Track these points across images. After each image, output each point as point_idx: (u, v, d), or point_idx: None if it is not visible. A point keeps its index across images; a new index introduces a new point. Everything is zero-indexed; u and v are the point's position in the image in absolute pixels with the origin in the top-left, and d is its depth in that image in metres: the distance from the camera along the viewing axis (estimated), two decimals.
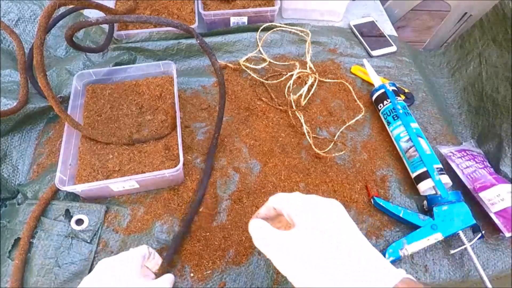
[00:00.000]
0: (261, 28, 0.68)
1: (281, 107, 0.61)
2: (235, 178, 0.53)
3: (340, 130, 0.59)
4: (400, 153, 0.55)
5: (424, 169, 0.50)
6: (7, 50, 0.59)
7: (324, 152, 0.55)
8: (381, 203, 0.50)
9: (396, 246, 0.46)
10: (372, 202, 0.51)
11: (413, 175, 0.52)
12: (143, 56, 0.65)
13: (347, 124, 0.59)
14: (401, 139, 0.54)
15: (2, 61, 0.56)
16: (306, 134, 0.56)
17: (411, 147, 0.52)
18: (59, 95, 0.56)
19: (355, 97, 0.63)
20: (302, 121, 0.57)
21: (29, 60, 0.53)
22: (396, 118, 0.55)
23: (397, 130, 0.55)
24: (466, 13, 0.73)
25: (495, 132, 0.57)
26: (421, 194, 0.52)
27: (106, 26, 0.65)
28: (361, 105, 0.62)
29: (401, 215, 0.48)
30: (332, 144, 0.57)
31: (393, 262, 0.46)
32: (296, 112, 0.59)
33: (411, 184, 0.54)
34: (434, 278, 0.47)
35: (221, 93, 0.48)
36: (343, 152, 0.56)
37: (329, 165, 0.55)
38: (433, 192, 0.50)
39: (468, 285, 0.48)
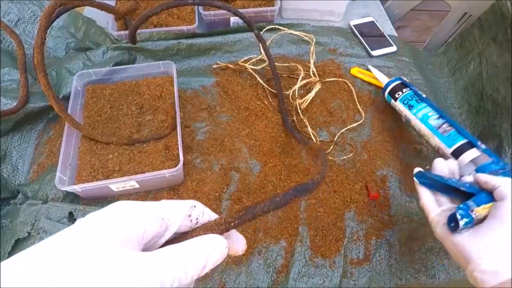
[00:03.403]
0: (264, 30, 0.67)
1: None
2: (235, 178, 0.53)
3: (341, 132, 0.59)
4: (429, 132, 0.53)
5: (464, 140, 0.48)
6: (7, 50, 0.59)
7: (328, 153, 0.55)
8: (429, 176, 0.41)
9: (465, 208, 0.37)
10: (415, 179, 0.42)
11: (452, 149, 0.49)
12: (143, 56, 0.65)
13: (348, 127, 0.59)
14: (429, 118, 0.53)
15: (2, 61, 0.56)
16: (313, 137, 0.56)
17: (444, 123, 0.52)
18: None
19: (355, 98, 0.63)
20: (309, 127, 0.57)
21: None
22: (419, 101, 0.56)
23: (423, 111, 0.54)
24: (466, 13, 0.73)
25: (495, 132, 0.57)
26: (462, 169, 0.46)
27: (106, 26, 0.65)
28: (361, 110, 0.62)
29: (459, 187, 0.39)
30: (332, 145, 0.57)
31: (466, 225, 0.37)
32: (303, 118, 0.59)
33: (411, 184, 0.54)
34: (434, 278, 0.47)
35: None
36: (351, 154, 0.56)
37: (329, 165, 0.55)
38: (473, 166, 0.46)
39: (468, 285, 0.48)
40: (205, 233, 0.21)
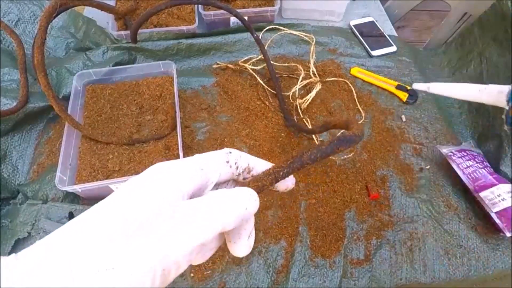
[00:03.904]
0: (264, 30, 0.67)
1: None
2: None
3: (341, 132, 0.59)
4: None
5: None
6: (7, 50, 0.59)
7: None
8: None
9: None
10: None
11: None
12: (143, 56, 0.65)
13: None
14: None
15: (2, 61, 0.56)
16: (314, 137, 0.56)
17: None
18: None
19: (355, 98, 0.63)
20: (310, 127, 0.57)
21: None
22: None
23: None
24: (466, 13, 0.73)
25: (495, 132, 0.57)
26: None
27: (106, 26, 0.66)
28: (361, 110, 0.62)
29: None
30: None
31: None
32: (303, 119, 0.59)
33: (411, 183, 0.54)
34: (434, 278, 0.47)
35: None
36: (351, 154, 0.56)
37: (329, 165, 0.55)
38: None
39: (468, 285, 0.48)
40: (255, 185, 0.21)
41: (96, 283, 0.15)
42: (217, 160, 0.21)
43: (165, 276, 0.17)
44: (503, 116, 0.33)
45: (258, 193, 0.21)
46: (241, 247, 0.20)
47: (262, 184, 0.21)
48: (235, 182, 0.23)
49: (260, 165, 0.23)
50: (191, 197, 0.19)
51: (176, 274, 0.17)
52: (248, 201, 0.19)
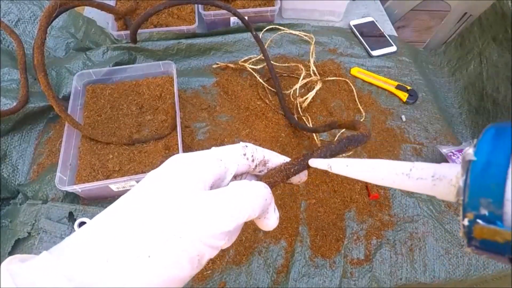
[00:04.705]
0: (264, 30, 0.67)
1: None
2: None
3: (341, 132, 0.59)
4: None
5: None
6: (7, 51, 0.59)
7: None
8: None
9: None
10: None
11: None
12: (143, 56, 0.65)
13: None
14: None
15: (2, 61, 0.56)
16: (315, 136, 0.56)
17: None
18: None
19: (356, 98, 0.63)
20: (310, 125, 0.57)
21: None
22: None
23: None
24: (466, 13, 0.73)
25: None
26: None
27: (106, 26, 0.65)
28: (362, 109, 0.62)
29: None
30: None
31: None
32: (303, 117, 0.59)
33: None
34: (434, 277, 0.47)
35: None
36: (351, 154, 0.56)
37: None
38: None
39: (468, 285, 0.48)
40: (268, 181, 0.22)
41: (134, 272, 0.16)
42: (235, 152, 0.22)
43: (200, 260, 0.18)
44: (460, 232, 0.16)
45: (270, 188, 0.22)
46: (271, 220, 0.22)
47: (273, 180, 0.22)
48: (251, 174, 0.24)
49: (275, 158, 0.23)
50: (211, 187, 0.20)
51: (208, 258, 0.18)
52: (268, 193, 0.21)
